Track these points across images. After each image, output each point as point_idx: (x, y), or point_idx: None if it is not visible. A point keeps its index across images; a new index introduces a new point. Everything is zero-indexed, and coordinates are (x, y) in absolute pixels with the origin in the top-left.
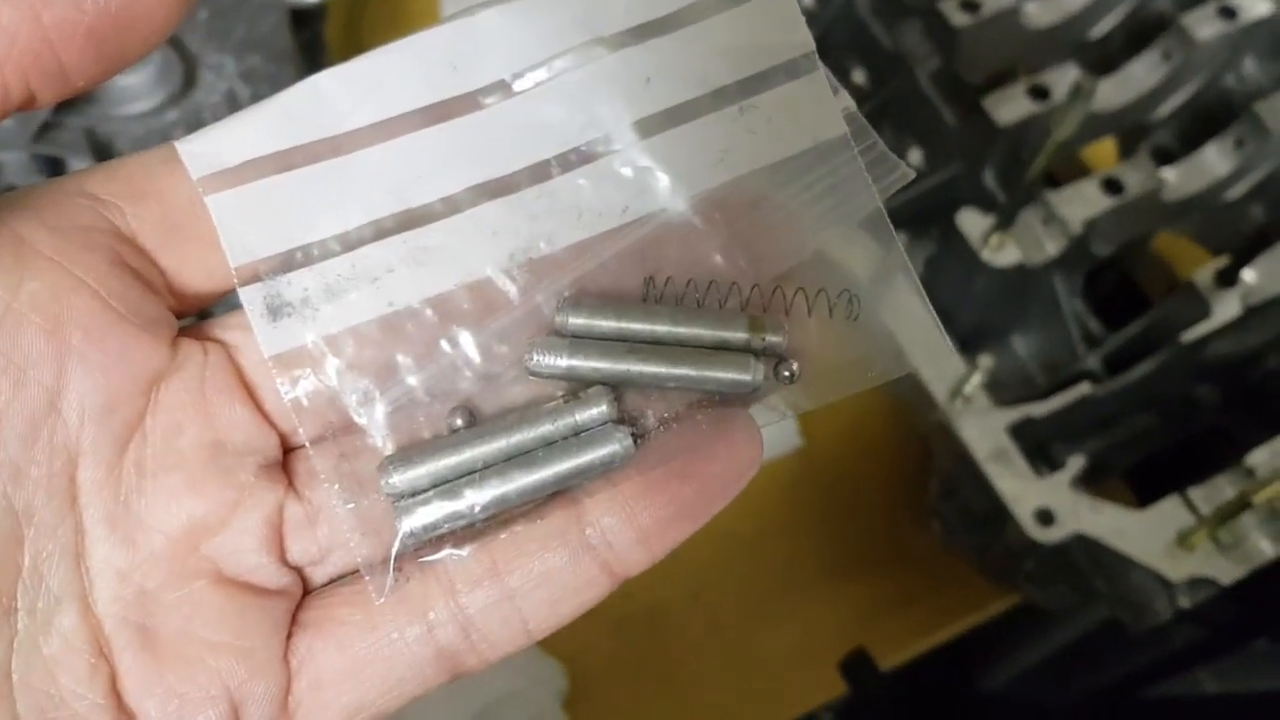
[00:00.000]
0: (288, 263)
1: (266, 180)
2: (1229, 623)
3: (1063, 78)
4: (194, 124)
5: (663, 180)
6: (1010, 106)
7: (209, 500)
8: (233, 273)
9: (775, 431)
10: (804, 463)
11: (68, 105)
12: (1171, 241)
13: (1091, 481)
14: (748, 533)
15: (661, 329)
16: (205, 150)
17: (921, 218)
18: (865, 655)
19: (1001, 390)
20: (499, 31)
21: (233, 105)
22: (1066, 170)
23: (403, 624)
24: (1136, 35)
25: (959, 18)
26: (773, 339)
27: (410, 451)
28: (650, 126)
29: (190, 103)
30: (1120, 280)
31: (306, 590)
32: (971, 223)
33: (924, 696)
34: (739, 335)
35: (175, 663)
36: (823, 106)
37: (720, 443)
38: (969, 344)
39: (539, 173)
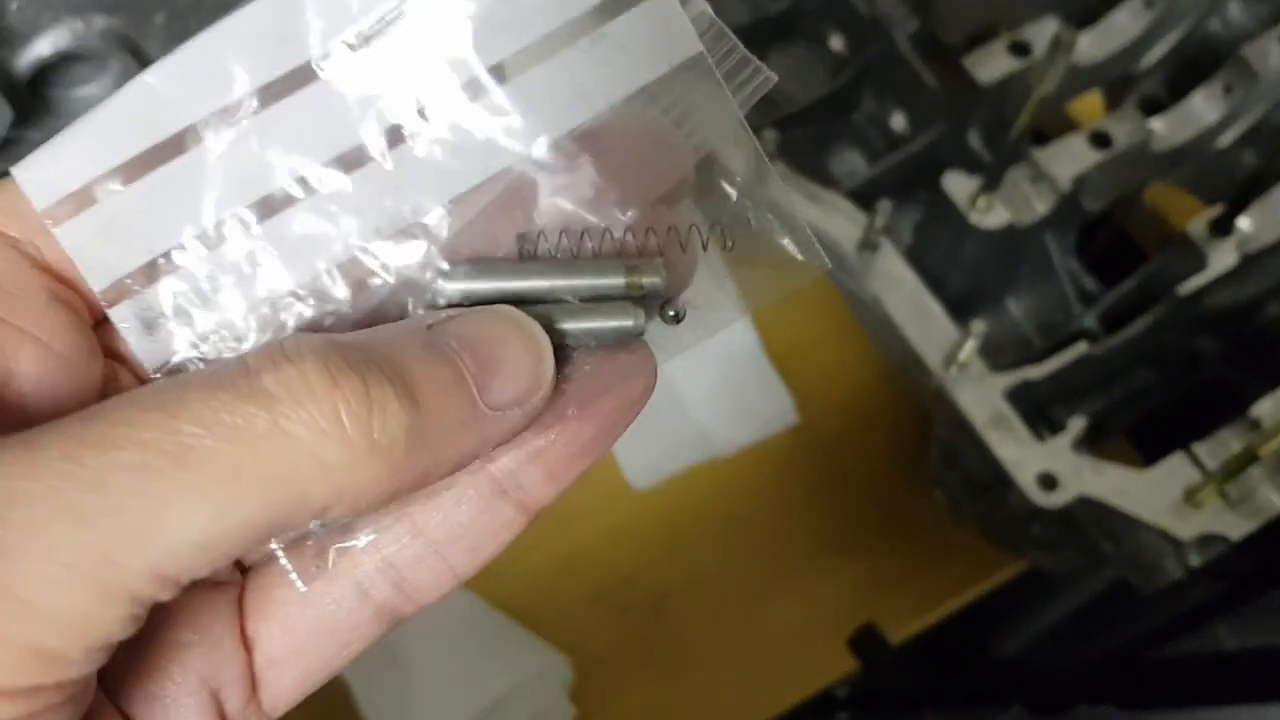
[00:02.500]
0: (152, 274)
1: (114, 197)
2: (1244, 575)
3: (1042, 32)
4: None
5: (522, 128)
6: (991, 64)
7: None
8: (98, 297)
9: (770, 409)
10: (801, 439)
11: (26, 120)
12: (1165, 194)
13: (1094, 441)
14: (747, 513)
15: (541, 285)
16: (45, 176)
17: (908, 183)
18: (874, 630)
19: (998, 354)
20: None
21: None
22: (1053, 126)
23: (338, 594)
24: None
25: None
26: (650, 281)
27: None
28: (500, 74)
29: None
30: (1114, 236)
31: (244, 575)
32: (958, 185)
33: (936, 666)
34: (617, 282)
35: (152, 668)
36: (675, 26)
37: (614, 371)
38: (962, 309)
39: (392, 138)
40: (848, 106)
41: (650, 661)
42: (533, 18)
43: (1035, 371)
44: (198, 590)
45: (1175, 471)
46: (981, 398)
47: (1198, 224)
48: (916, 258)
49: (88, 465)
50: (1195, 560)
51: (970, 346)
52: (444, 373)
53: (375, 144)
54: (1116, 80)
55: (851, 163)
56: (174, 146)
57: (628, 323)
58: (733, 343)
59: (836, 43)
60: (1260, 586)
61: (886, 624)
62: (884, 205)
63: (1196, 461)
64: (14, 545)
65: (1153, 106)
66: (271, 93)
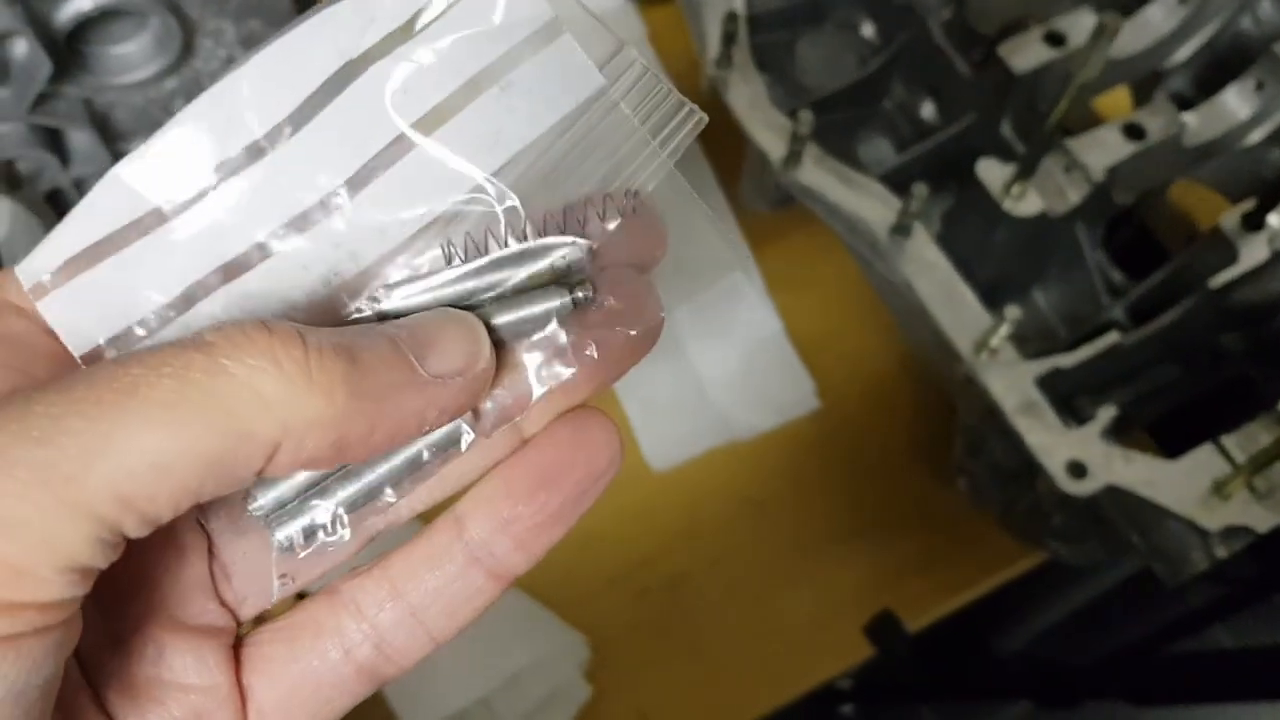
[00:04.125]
0: (128, 340)
1: (90, 271)
2: (1247, 579)
3: (1076, 24)
4: (193, 93)
5: (448, 176)
6: (1026, 53)
7: None
8: (79, 363)
9: (791, 394)
10: (821, 424)
11: (64, 75)
12: (1188, 194)
13: (1117, 435)
14: (766, 497)
15: (473, 285)
16: (34, 265)
17: (937, 172)
18: (892, 617)
19: (1024, 344)
20: (263, 78)
21: None
22: (1080, 123)
23: (323, 651)
24: None
25: None
26: (573, 255)
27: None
28: (422, 129)
29: (189, 70)
30: (1138, 233)
31: (239, 625)
32: (992, 172)
33: (945, 659)
34: (543, 266)
35: (151, 704)
36: (576, 66)
37: (579, 452)
38: (989, 298)
39: (333, 201)
40: (877, 94)
41: (666, 643)
42: (444, 78)
43: (1066, 360)
44: (200, 635)
45: (1204, 463)
46: (1012, 384)
47: (1230, 218)
48: (945, 247)
49: (45, 402)
50: (1222, 552)
51: (1004, 332)
52: (381, 343)
53: (317, 208)
54: (1145, 77)
55: (880, 150)
56: (143, 227)
57: (554, 303)
58: (755, 327)
59: (868, 30)
60: (1260, 591)
61: (904, 612)
62: (919, 188)
63: (1225, 454)
64: None
65: (1181, 103)
66: (227, 169)
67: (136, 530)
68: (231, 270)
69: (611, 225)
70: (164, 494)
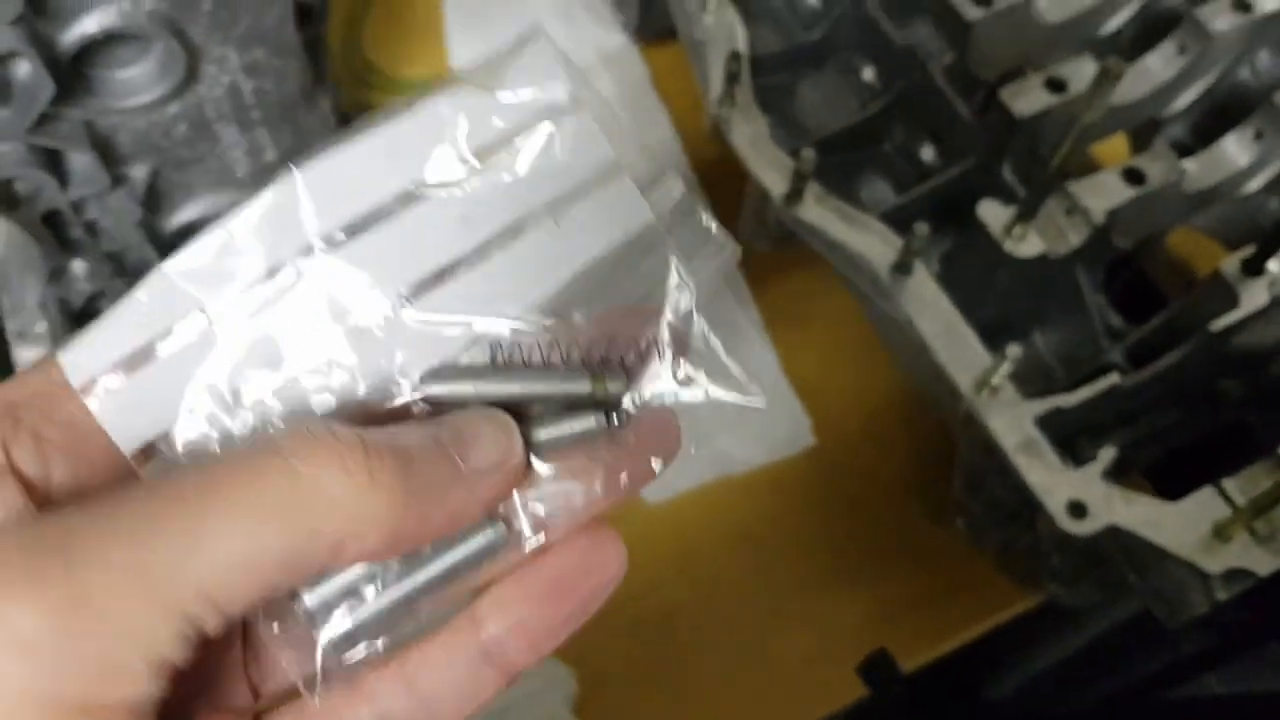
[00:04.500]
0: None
1: (139, 372)
2: (1241, 625)
3: (1077, 70)
4: (195, 118)
5: (498, 299)
6: (1028, 98)
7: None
8: (130, 460)
9: (788, 430)
10: (817, 462)
11: (67, 96)
12: (1185, 242)
13: (1114, 478)
14: (761, 534)
15: (514, 389)
16: (80, 358)
17: (936, 213)
18: (887, 657)
19: (1022, 385)
20: (322, 186)
21: (235, 99)
22: (1079, 169)
23: None
24: (1148, 30)
25: (972, 12)
26: (614, 388)
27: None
28: (480, 252)
29: (192, 96)
30: (1136, 279)
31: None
32: (993, 213)
33: (935, 704)
34: (583, 388)
35: None
36: (630, 203)
37: (593, 564)
38: (988, 339)
39: (386, 311)
40: (878, 136)
41: (657, 679)
42: (507, 205)
43: (1067, 400)
44: (227, 717)
45: (1204, 505)
46: (1012, 423)
47: (1230, 263)
48: (945, 287)
49: (135, 502)
50: (1222, 594)
51: (1004, 370)
52: (429, 443)
53: (371, 320)
54: (1143, 126)
55: (880, 192)
56: (190, 327)
57: (591, 425)
58: (752, 363)
59: (868, 73)
60: (1253, 639)
61: (898, 652)
62: (921, 226)
63: (1225, 496)
64: (83, 563)
65: (1180, 151)
66: (279, 271)
67: (216, 626)
68: (281, 369)
69: (648, 366)
70: (244, 591)
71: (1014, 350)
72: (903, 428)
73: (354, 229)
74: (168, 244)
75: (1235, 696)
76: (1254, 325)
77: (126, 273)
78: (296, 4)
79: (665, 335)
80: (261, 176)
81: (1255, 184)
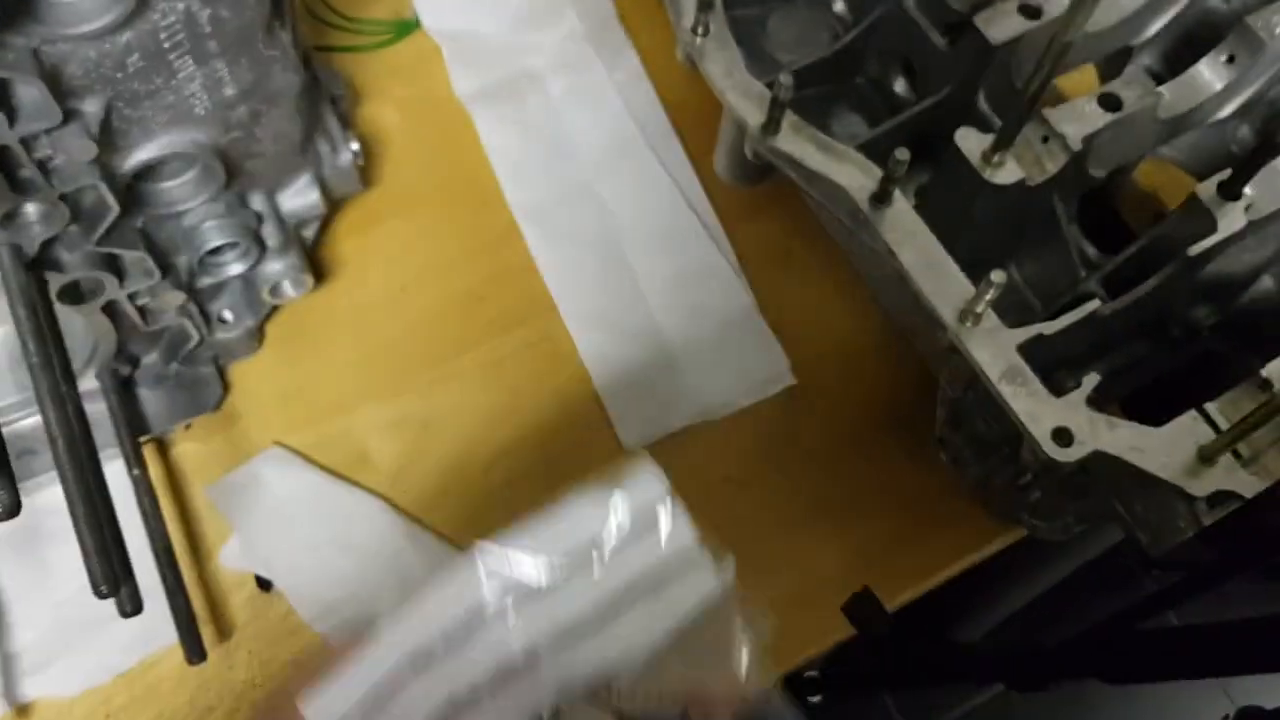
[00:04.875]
0: None
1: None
2: (1200, 565)
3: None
4: (150, 48)
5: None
6: (1003, 24)
7: None
8: None
9: (766, 371)
10: (797, 401)
11: (11, 25)
12: (1154, 176)
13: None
14: (743, 476)
15: None
16: (323, 707)
17: (912, 146)
18: (871, 596)
19: (1002, 318)
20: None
21: (191, 26)
22: (1049, 103)
23: None
24: None
25: None
26: None
27: None
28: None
29: (145, 23)
30: (1105, 214)
31: None
32: (970, 141)
33: (912, 646)
34: None
35: None
36: (704, 585)
37: None
38: (967, 272)
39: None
40: (851, 70)
41: None
42: (611, 600)
43: (1050, 327)
44: None
45: (1188, 429)
46: (996, 352)
47: (1207, 188)
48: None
49: None
50: (1207, 518)
51: (989, 296)
52: None
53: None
54: (1115, 52)
55: (854, 127)
56: (395, 683)
57: None
58: (727, 304)
59: (840, 5)
60: (1217, 577)
61: (883, 589)
62: (901, 152)
63: (1209, 420)
64: None
65: (1151, 80)
66: (453, 641)
67: None
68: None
69: None
70: None
71: (999, 275)
72: (883, 365)
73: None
74: (124, 184)
75: (1212, 626)
76: (1230, 250)
77: (82, 216)
78: None
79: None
80: (220, 113)
81: (1228, 109)
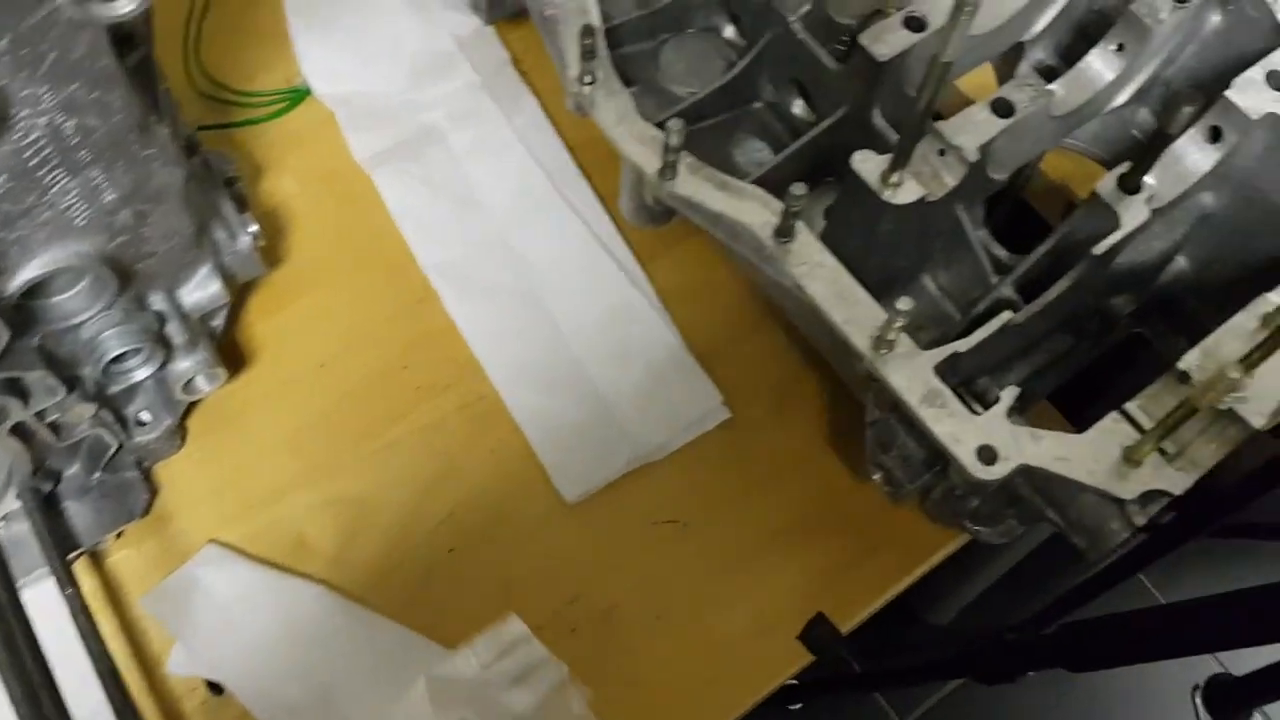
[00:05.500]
0: None
1: None
2: (1163, 527)
3: (936, 5)
4: (16, 167)
5: None
6: (888, 40)
7: None
8: None
9: (698, 407)
10: (733, 434)
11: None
12: (1061, 165)
13: (1021, 411)
14: (686, 516)
15: None
16: None
17: (815, 169)
18: (824, 621)
19: (919, 332)
20: None
21: (57, 140)
22: (950, 107)
23: None
24: None
25: None
26: None
27: None
28: None
29: (7, 143)
30: (1017, 208)
31: None
32: (867, 165)
33: (880, 646)
34: None
35: None
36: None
37: None
38: (880, 290)
39: None
40: (747, 96)
41: (604, 677)
42: None
43: (963, 345)
44: None
45: (1111, 432)
46: (913, 376)
47: (1106, 183)
48: (831, 244)
49: None
50: (1140, 519)
51: (899, 323)
52: None
53: None
54: (1007, 51)
55: (756, 153)
56: None
57: None
58: (652, 344)
59: (729, 31)
60: (1178, 537)
61: (839, 611)
62: (797, 188)
63: (1131, 420)
64: None
65: (1046, 74)
66: None
67: None
68: None
69: None
70: None
71: (905, 303)
72: (816, 389)
73: None
74: (11, 306)
75: (1168, 609)
76: (1137, 241)
77: None
78: (112, 30)
79: None
80: (103, 220)
81: (1122, 97)
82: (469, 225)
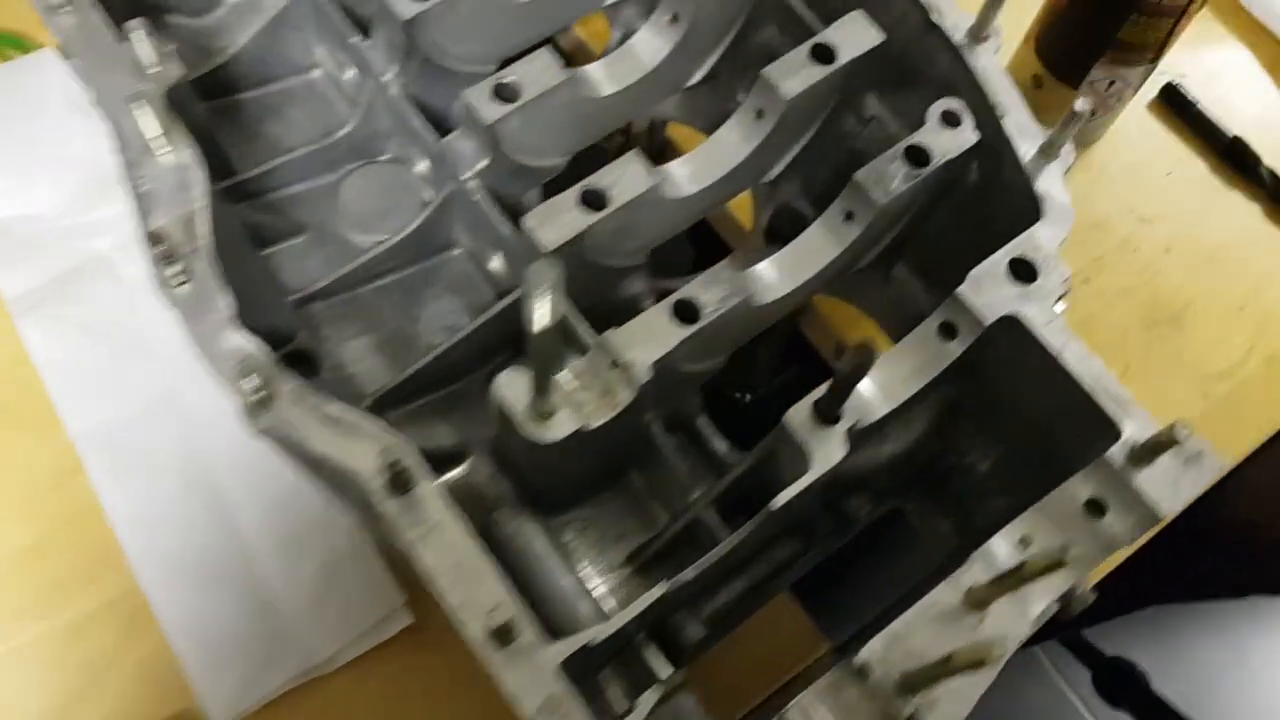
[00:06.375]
0: None
1: None
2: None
3: (624, 175)
4: None
5: None
6: (558, 223)
7: None
8: None
9: (377, 610)
10: (419, 638)
11: None
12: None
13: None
14: None
15: None
16: None
17: (517, 335)
18: None
19: (621, 540)
20: None
21: None
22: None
23: None
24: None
25: (491, 111)
26: None
27: None
28: None
29: None
30: (789, 335)
31: None
32: (512, 389)
33: None
34: None
35: None
36: None
37: None
38: (580, 490)
39: None
40: (440, 244)
41: None
42: None
43: (602, 631)
44: None
45: None
46: (530, 678)
47: (798, 413)
48: (503, 454)
49: None
50: None
51: (527, 618)
52: None
53: None
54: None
55: (450, 315)
56: None
57: None
58: (330, 535)
59: (422, 166)
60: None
61: None
62: (442, 429)
63: None
64: None
65: (794, 218)
66: None
67: None
68: None
69: None
70: None
71: (504, 609)
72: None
73: None
74: None
75: None
76: (846, 465)
77: None
78: None
79: None
80: None
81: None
82: (133, 377)
